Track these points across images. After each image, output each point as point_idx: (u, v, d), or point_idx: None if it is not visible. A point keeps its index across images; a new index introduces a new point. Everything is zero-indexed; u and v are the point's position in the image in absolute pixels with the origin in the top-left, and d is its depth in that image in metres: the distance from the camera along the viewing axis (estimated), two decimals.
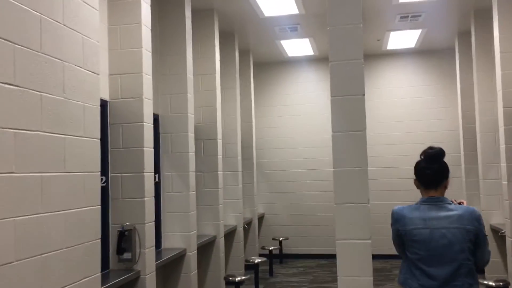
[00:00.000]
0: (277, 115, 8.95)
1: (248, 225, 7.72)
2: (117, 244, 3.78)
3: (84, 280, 2.78)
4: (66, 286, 2.60)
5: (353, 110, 2.79)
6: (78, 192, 2.77)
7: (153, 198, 4.05)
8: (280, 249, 8.42)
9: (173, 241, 4.92)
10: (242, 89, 7.87)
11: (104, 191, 3.88)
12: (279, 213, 8.87)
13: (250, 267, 6.59)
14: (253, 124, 8.11)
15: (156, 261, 4.20)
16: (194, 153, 5.14)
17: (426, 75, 8.49)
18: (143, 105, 3.92)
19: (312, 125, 8.78)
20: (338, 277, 2.76)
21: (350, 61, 2.98)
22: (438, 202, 2.37)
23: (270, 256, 7.56)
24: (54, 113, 2.57)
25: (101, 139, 3.88)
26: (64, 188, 2.63)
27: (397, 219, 2.40)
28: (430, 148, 2.49)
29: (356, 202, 2.73)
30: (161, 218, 4.94)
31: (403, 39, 7.70)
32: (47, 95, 2.52)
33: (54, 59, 2.58)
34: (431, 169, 2.41)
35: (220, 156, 6.06)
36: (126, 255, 3.82)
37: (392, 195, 8.22)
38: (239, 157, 7.09)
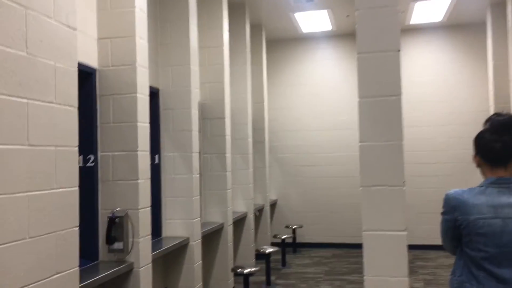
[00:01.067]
0: (291, 96, 8.39)
1: (259, 212, 7.21)
2: (107, 233, 3.30)
3: (55, 276, 2.30)
4: (28, 285, 2.11)
5: (385, 69, 2.22)
6: (47, 170, 2.27)
7: (149, 180, 3.56)
8: (294, 238, 7.92)
9: (174, 229, 4.44)
10: (254, 66, 7.31)
11: (92, 171, 3.40)
12: (292, 200, 8.35)
13: (261, 256, 6.11)
14: (265, 104, 7.56)
15: (153, 252, 3.72)
16: (198, 132, 4.62)
17: (454, 52, 7.82)
18: (136, 74, 3.40)
19: (329, 106, 8.20)
20: (364, 277, 2.23)
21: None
22: (511, 184, 1.81)
23: (283, 245, 7.06)
24: (12, 71, 2.06)
25: (88, 113, 3.40)
26: (26, 165, 2.13)
27: (456, 206, 1.83)
28: (498, 114, 1.90)
29: (389, 185, 2.19)
30: (161, 203, 4.45)
31: (429, 12, 7.04)
32: (2, 47, 2.01)
33: (11, 3, 2.07)
34: (502, 142, 1.84)
35: (228, 137, 5.55)
36: (117, 245, 3.34)
37: (415, 182, 7.63)
38: (250, 139, 6.57)
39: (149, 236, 3.53)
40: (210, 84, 5.47)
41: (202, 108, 5.42)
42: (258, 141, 7.35)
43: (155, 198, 4.39)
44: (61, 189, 2.37)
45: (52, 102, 2.32)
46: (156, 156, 4.43)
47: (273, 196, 8.30)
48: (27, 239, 2.12)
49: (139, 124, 3.41)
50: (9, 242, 2.01)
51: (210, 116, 5.46)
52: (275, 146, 8.37)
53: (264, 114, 7.47)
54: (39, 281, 2.18)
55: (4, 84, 2.01)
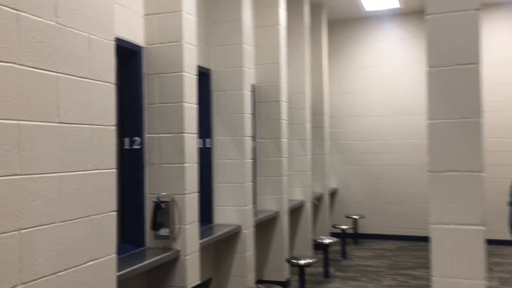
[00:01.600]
0: (354, 79, 7.95)
1: (318, 200, 6.91)
2: (152, 218, 3.15)
3: (90, 263, 2.15)
4: (59, 271, 1.98)
5: (461, 32, 1.85)
6: (81, 150, 2.12)
7: (197, 164, 3.37)
8: (355, 229, 7.54)
9: (226, 216, 4.25)
10: (313, 48, 6.97)
11: (139, 154, 3.26)
12: (354, 188, 7.96)
13: (319, 247, 5.83)
14: (325, 88, 7.20)
15: (202, 239, 3.55)
16: (250, 115, 4.39)
17: None
18: (182, 51, 3.21)
19: (394, 90, 7.69)
20: (433, 278, 1.90)
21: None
22: None
23: (343, 236, 6.72)
24: (40, 42, 1.91)
25: (134, 93, 3.26)
26: (57, 144, 1.99)
27: None
28: None
29: (463, 170, 1.84)
30: (213, 189, 4.28)
31: None
32: (28, 15, 1.86)
33: None
34: None
35: (284, 121, 5.28)
36: (163, 231, 3.19)
37: (488, 170, 6.99)
38: (308, 124, 6.26)
39: (197, 223, 3.35)
40: (265, 65, 5.21)
41: (257, 91, 5.18)
42: (318, 127, 7.02)
43: (206, 184, 4.23)
44: (96, 171, 2.22)
45: (86, 77, 2.16)
46: (208, 140, 4.25)
47: (333, 185, 7.95)
48: (57, 223, 1.98)
49: (185, 104, 3.22)
50: (37, 226, 1.88)
51: (265, 100, 5.21)
52: (336, 133, 8.00)
53: (324, 98, 7.11)
54: (71, 268, 2.04)
55: (31, 55, 1.86)
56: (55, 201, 1.97)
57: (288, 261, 4.67)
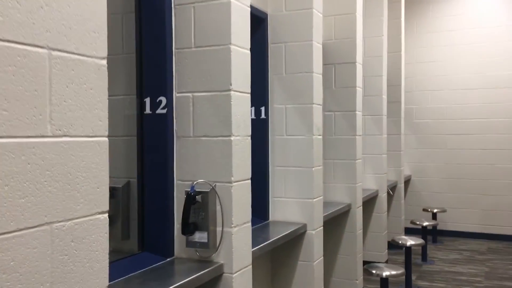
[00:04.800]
0: (435, 45, 6.62)
1: (392, 190, 5.71)
2: (183, 217, 2.12)
3: None
4: None
5: None
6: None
7: (249, 138, 2.30)
8: (435, 225, 6.30)
9: (286, 211, 3.18)
10: (390, 5, 5.70)
11: (165, 121, 2.23)
12: (431, 176, 6.68)
13: (393, 246, 4.68)
14: (403, 54, 5.94)
15: (256, 246, 2.50)
16: (321, 76, 3.26)
17: None
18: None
19: (486, 58, 6.31)
20: None
21: None
22: None
23: (423, 233, 5.51)
24: None
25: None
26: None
27: None
28: None
29: None
30: (268, 174, 3.21)
31: None
32: None
33: None
34: None
35: (359, 89, 4.12)
36: (199, 236, 2.16)
37: None
38: (384, 96, 5.06)
39: (248, 224, 2.29)
40: (337, 17, 4.05)
41: (325, 49, 4.04)
42: (393, 101, 5.79)
43: (259, 167, 3.16)
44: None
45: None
46: (262, 109, 3.18)
47: (406, 172, 6.71)
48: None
49: (233, 47, 2.14)
50: None
51: (335, 61, 4.06)
52: (410, 110, 6.73)
53: (401, 66, 5.86)
54: None
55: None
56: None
57: (366, 271, 3.55)
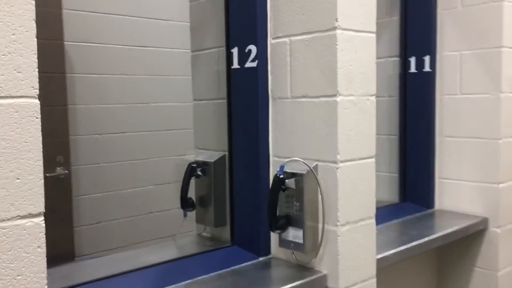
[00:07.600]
0: None
1: None
2: (269, 207, 1.57)
3: None
4: None
5: None
6: None
7: (374, 99, 1.59)
8: None
9: (461, 198, 2.32)
10: None
11: (255, 75, 1.68)
12: None
13: None
14: None
15: (390, 250, 1.80)
16: None
17: None
18: None
19: None
20: None
21: None
22: None
23: None
24: None
25: None
26: None
27: None
28: None
29: None
30: (435, 148, 2.37)
31: None
32: None
33: None
34: None
35: None
36: (293, 234, 1.58)
37: None
38: None
39: (368, 222, 1.61)
40: None
41: None
42: None
43: (421, 137, 2.36)
44: None
45: None
46: (426, 58, 2.33)
47: None
48: None
49: None
50: None
51: None
52: None
53: None
54: None
55: None
56: None
57: None
